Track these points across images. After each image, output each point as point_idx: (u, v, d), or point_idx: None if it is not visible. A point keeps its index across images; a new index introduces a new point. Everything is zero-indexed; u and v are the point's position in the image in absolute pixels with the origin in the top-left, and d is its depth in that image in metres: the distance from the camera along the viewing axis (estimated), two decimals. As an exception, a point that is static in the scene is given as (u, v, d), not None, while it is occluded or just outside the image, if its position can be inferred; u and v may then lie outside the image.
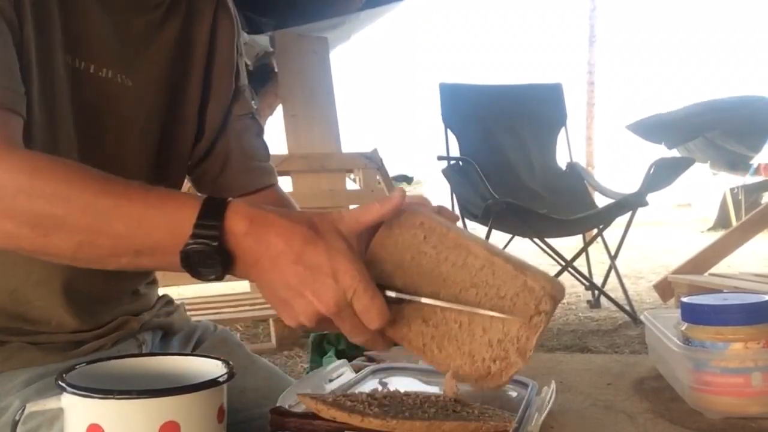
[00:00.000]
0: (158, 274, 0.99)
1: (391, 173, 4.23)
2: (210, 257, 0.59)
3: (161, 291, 1.01)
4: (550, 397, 0.69)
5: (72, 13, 0.77)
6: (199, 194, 0.63)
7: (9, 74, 0.68)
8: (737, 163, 5.57)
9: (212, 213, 0.59)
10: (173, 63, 0.88)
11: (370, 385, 0.75)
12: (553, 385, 0.71)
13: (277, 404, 0.62)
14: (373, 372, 0.80)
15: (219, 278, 0.60)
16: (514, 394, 0.72)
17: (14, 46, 0.70)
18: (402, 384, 0.73)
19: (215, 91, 0.94)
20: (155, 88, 0.86)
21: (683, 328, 0.74)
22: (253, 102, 0.99)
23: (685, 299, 0.74)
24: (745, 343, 0.69)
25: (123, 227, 0.59)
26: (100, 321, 0.85)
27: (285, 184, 3.87)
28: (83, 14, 0.78)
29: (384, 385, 0.75)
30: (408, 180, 6.43)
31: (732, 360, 0.70)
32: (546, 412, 0.65)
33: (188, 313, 1.04)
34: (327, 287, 0.58)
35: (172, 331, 0.97)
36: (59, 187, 0.60)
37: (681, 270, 3.92)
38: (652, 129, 5.46)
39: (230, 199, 0.60)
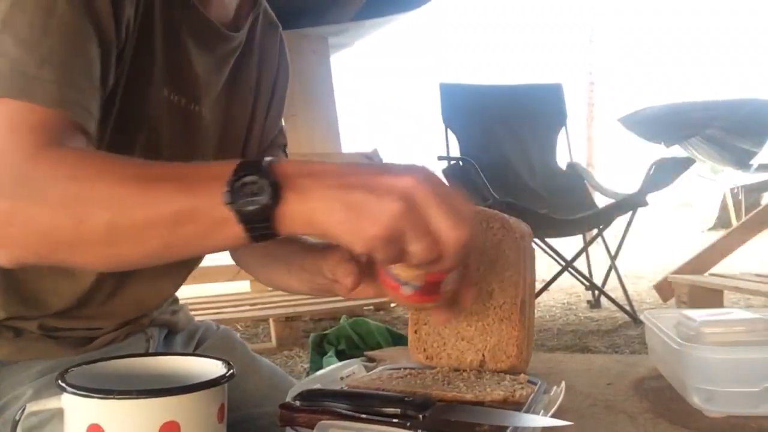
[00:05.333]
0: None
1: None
2: (260, 175, 0.53)
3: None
4: (559, 396, 0.69)
5: (173, 48, 0.79)
6: None
7: (88, 93, 0.65)
8: (740, 160, 5.54)
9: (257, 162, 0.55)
10: (248, 103, 0.93)
11: None
12: (563, 385, 0.71)
13: (287, 399, 0.63)
14: (388, 371, 0.80)
15: (267, 214, 0.52)
16: (523, 392, 0.72)
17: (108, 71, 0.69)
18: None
19: (270, 123, 0.99)
20: (228, 124, 0.90)
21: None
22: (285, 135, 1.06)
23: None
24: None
25: (161, 189, 0.55)
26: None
27: (285, 184, 3.87)
28: (183, 50, 0.80)
29: None
30: None
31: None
32: (553, 411, 0.65)
33: (190, 312, 1.05)
34: (401, 171, 0.54)
35: (177, 329, 0.98)
36: (101, 168, 0.57)
37: (681, 270, 3.92)
38: (647, 125, 5.45)
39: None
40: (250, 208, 0.52)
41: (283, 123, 1.06)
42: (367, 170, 0.55)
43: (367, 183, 0.53)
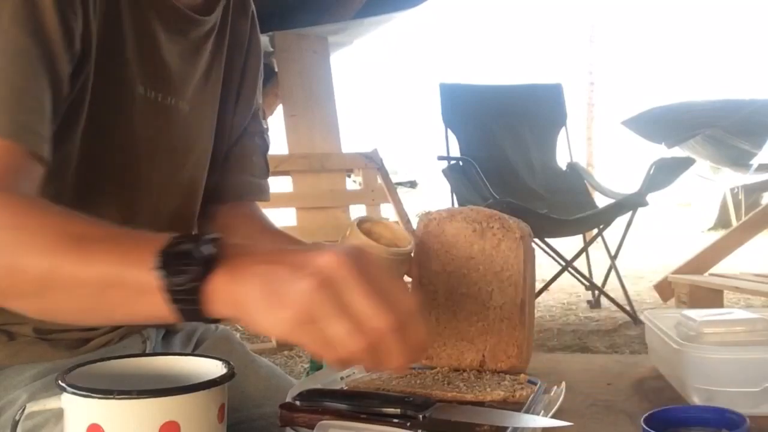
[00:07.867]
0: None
1: (396, 178, 4.23)
2: (196, 245, 0.49)
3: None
4: (559, 397, 0.69)
5: (145, 42, 0.78)
6: None
7: (40, 115, 0.64)
8: (740, 160, 5.55)
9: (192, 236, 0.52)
10: (220, 88, 0.91)
11: None
12: (563, 385, 0.71)
13: (286, 399, 0.63)
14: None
15: (194, 287, 0.48)
16: (523, 392, 0.72)
17: (65, 79, 0.68)
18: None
19: (240, 110, 0.97)
20: (206, 113, 0.89)
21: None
22: (263, 121, 1.03)
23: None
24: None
25: (94, 249, 0.53)
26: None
27: (285, 184, 3.87)
28: (154, 42, 0.79)
29: None
30: (414, 185, 6.43)
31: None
32: (553, 411, 0.65)
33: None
34: (329, 249, 0.48)
35: (175, 329, 0.97)
36: (41, 221, 0.57)
37: (681, 270, 3.92)
38: (650, 126, 5.46)
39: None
40: (177, 279, 0.48)
41: (261, 107, 1.04)
42: (301, 249, 0.50)
43: (290, 260, 0.48)
